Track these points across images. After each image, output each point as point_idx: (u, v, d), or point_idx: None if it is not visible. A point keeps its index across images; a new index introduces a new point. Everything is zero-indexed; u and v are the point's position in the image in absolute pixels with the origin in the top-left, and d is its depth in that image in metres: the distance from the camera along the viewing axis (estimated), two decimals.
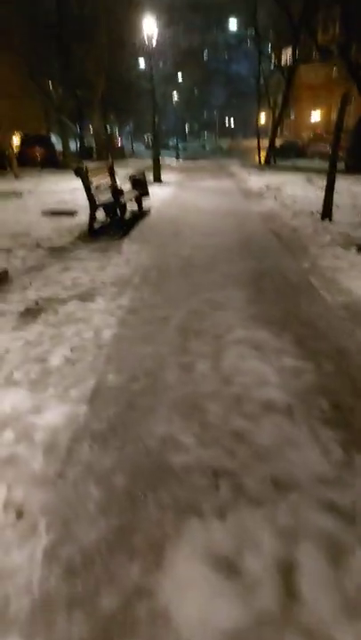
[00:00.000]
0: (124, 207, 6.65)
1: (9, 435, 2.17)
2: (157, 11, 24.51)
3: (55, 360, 2.88)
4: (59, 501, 1.78)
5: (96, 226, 6.83)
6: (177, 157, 30.84)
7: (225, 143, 51.24)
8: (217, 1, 24.29)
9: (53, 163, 20.74)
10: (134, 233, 6.67)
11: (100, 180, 7.43)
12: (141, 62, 30.70)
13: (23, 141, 21.50)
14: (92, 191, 6.44)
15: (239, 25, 25.91)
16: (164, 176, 14.67)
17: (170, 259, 5.24)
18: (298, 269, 4.67)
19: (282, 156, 27.45)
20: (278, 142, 27.19)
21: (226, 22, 25.49)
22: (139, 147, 54.74)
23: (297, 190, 10.72)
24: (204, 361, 2.83)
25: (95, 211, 6.56)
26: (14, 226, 6.90)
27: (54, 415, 2.32)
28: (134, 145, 55.18)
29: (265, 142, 27.62)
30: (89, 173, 6.38)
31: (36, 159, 20.85)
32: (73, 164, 20.19)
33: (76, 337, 3.20)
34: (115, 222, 6.91)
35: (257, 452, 2.01)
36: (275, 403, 2.36)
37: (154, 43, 13.25)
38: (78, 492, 1.83)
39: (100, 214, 7.04)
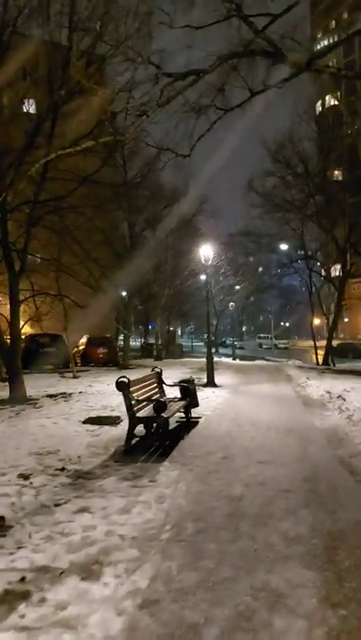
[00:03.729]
0: (166, 423, 5.92)
1: None
2: (215, 236, 28.96)
3: None
4: None
5: (134, 441, 6.07)
6: (233, 358, 31.60)
7: (281, 342, 53.08)
8: (266, 232, 28.68)
9: (114, 362, 21.85)
10: (176, 453, 5.76)
11: (145, 390, 6.97)
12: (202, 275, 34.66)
13: (88, 342, 23.16)
14: (133, 406, 5.88)
15: (289, 247, 29.44)
16: (218, 378, 14.37)
17: (214, 500, 4.14)
18: None
19: (339, 356, 27.29)
20: (335, 342, 27.41)
21: (276, 246, 29.27)
22: (198, 344, 58.14)
23: None
24: None
25: (134, 428, 5.88)
26: (46, 440, 6.26)
27: None
28: (195, 342, 58.81)
29: (320, 342, 27.90)
30: (131, 387, 5.92)
31: (99, 359, 22.11)
32: (131, 362, 21.01)
33: None
34: (155, 439, 6.11)
35: None
36: None
37: (210, 262, 14.74)
38: None
39: (142, 427, 6.35)
